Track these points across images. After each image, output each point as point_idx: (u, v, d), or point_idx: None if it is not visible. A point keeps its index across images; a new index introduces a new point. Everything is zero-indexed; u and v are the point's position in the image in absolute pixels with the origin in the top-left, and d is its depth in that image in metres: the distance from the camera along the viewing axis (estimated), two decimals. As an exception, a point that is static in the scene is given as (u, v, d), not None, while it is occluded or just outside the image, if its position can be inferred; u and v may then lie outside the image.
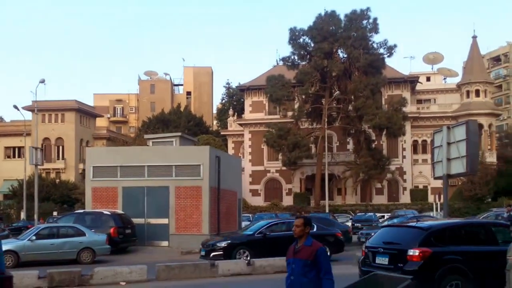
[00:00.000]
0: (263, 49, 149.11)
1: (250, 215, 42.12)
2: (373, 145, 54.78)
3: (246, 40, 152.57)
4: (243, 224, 31.54)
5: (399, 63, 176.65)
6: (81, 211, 26.54)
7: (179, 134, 30.55)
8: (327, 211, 42.66)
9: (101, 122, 78.45)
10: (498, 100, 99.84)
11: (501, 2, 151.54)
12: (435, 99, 63.15)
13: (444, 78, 65.80)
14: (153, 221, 25.98)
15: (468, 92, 58.23)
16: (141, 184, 25.91)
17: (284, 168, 55.31)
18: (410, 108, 58.15)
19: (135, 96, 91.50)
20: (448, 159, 35.31)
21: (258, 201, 57.58)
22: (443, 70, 63.31)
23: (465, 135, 34.19)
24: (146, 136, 34.29)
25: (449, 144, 35.12)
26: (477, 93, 57.96)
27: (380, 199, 56.33)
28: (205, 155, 26.02)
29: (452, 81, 64.59)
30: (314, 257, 5.74)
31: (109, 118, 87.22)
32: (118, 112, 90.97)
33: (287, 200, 56.54)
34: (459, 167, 35.40)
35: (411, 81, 58.69)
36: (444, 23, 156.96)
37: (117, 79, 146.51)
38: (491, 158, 58.02)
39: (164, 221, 25.88)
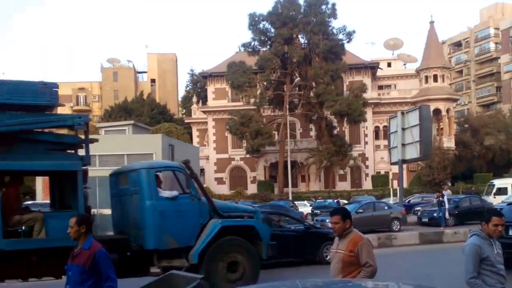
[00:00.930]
0: (227, 35, 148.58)
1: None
2: (335, 132, 55.23)
3: (211, 26, 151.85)
4: None
5: (360, 49, 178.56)
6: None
7: (132, 122, 30.27)
8: (290, 198, 42.85)
9: (63, 111, 76.95)
10: (459, 86, 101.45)
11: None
12: (395, 85, 63.83)
13: (404, 64, 66.57)
14: (105, 211, 25.54)
15: (426, 78, 59.01)
16: (92, 174, 25.27)
17: (248, 156, 55.33)
18: (371, 94, 58.68)
19: (98, 84, 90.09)
20: (403, 145, 35.52)
21: (223, 189, 57.40)
22: (403, 56, 64.06)
23: (418, 121, 34.41)
24: (98, 125, 33.86)
25: (403, 129, 35.31)
26: (435, 78, 58.77)
27: (343, 186, 56.82)
28: (158, 144, 25.77)
29: (412, 67, 65.38)
30: (91, 262, 4.85)
31: (72, 107, 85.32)
32: (81, 100, 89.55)
33: (252, 188, 56.50)
34: (413, 152, 35.78)
35: (371, 67, 59.15)
36: (404, 9, 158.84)
37: (79, 67, 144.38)
38: (449, 143, 59.02)
39: (117, 211, 25.54)
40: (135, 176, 10.80)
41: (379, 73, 62.99)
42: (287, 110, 47.90)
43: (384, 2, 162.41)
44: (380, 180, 55.40)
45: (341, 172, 56.52)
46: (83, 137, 10.48)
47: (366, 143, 59.71)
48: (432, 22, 60.24)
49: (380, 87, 63.68)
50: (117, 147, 25.56)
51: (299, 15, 46.02)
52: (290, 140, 55.84)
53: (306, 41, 47.15)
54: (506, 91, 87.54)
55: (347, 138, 56.61)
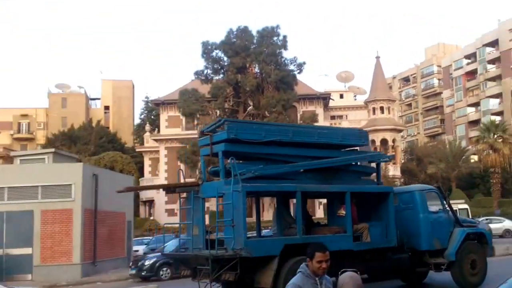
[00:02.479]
0: (186, 63, 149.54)
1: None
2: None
3: (170, 53, 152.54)
4: (139, 247, 30.32)
5: (315, 81, 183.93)
6: None
7: (53, 150, 27.56)
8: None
9: (1, 139, 74.32)
10: (408, 118, 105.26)
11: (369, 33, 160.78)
12: (346, 115, 65.80)
13: (355, 96, 68.79)
14: (14, 251, 23.06)
15: (374, 109, 61.20)
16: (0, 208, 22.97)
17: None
18: (323, 124, 60.19)
19: (44, 111, 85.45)
20: None
21: (175, 221, 56.10)
22: (353, 88, 66.31)
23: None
24: (12, 153, 30.89)
25: None
26: (382, 110, 61.01)
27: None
28: (78, 174, 23.67)
29: (362, 98, 67.67)
30: None
31: (12, 134, 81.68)
32: (24, 128, 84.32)
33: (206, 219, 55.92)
34: None
35: (323, 97, 60.78)
36: (357, 44, 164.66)
37: (25, 93, 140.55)
38: (395, 171, 60.97)
39: (27, 250, 23.00)
40: (408, 196, 14.44)
41: (331, 104, 64.78)
42: (240, 139, 48.35)
43: (339, 37, 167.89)
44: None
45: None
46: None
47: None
48: (378, 57, 62.92)
49: (333, 117, 65.48)
50: (32, 178, 23.47)
51: (252, 45, 46.93)
52: (243, 168, 56.49)
53: (258, 71, 48.06)
54: (448, 123, 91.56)
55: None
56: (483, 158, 58.43)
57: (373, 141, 61.04)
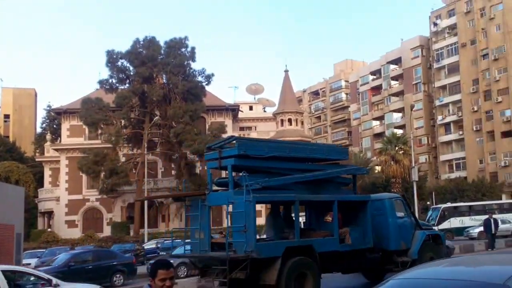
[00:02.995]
0: (90, 72, 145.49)
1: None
2: (198, 171, 55.72)
3: (74, 62, 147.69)
4: (31, 260, 29.26)
5: (225, 92, 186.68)
6: None
7: None
8: (145, 239, 42.00)
9: None
10: (318, 130, 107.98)
11: (310, 47, 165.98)
12: (256, 127, 66.25)
13: (264, 108, 69.51)
14: None
15: (282, 121, 62.16)
16: None
17: (105, 196, 53.41)
18: (231, 134, 60.35)
19: None
20: None
21: (76, 233, 53.87)
22: (263, 100, 67.04)
23: None
24: None
25: None
26: (290, 121, 62.09)
27: (204, 224, 56.99)
28: None
29: (271, 110, 68.50)
30: None
31: None
32: None
33: (109, 230, 54.23)
34: None
35: (232, 109, 60.97)
36: (268, 58, 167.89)
37: None
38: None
39: None
40: (380, 203, 16.44)
41: (241, 115, 65.09)
42: (146, 149, 47.43)
43: (250, 50, 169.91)
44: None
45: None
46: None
47: (228, 182, 60.80)
48: (286, 71, 64.25)
49: (242, 129, 65.66)
50: None
51: (159, 56, 46.41)
52: (150, 179, 55.11)
53: (166, 81, 47.47)
54: (355, 135, 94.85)
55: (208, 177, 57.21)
56: (385, 168, 60.82)
57: (281, 153, 61.96)
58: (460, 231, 40.21)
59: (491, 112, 70.12)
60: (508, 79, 67.33)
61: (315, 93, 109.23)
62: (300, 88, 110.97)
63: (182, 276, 22.93)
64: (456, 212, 42.63)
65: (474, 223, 39.40)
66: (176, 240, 24.32)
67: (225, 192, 14.17)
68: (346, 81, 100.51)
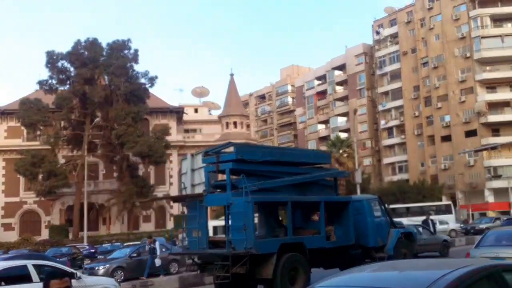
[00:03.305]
0: (30, 72, 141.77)
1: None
2: (141, 173, 55.11)
3: (13, 62, 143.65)
4: None
5: (170, 95, 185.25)
6: None
7: None
8: (85, 242, 41.15)
9: None
10: (264, 132, 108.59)
11: (258, 48, 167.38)
12: (201, 129, 66.08)
13: (209, 110, 69.42)
14: None
15: (227, 124, 62.25)
16: None
17: (43, 199, 52.02)
18: (176, 137, 60.03)
19: None
20: (193, 185, 36.66)
21: (12, 236, 52.28)
22: (208, 103, 66.99)
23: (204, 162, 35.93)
24: None
25: (193, 170, 36.56)
26: (235, 124, 62.27)
27: (148, 227, 56.31)
28: None
29: (217, 113, 68.50)
30: None
31: None
32: None
33: (47, 234, 52.71)
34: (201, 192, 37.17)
35: (177, 111, 60.60)
36: (215, 61, 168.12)
37: None
38: (248, 185, 62.28)
39: None
40: (359, 204, 17.53)
41: (186, 117, 64.74)
42: (86, 151, 46.48)
43: (197, 54, 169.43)
44: (181, 220, 55.70)
45: (146, 213, 56.01)
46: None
47: (171, 184, 60.36)
48: (232, 75, 64.78)
49: (187, 131, 65.35)
50: None
51: (101, 57, 45.63)
52: (91, 181, 54.11)
53: (107, 83, 46.66)
54: (301, 138, 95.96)
55: (152, 179, 56.74)
56: (329, 171, 61.69)
57: (226, 156, 61.93)
58: None
59: (431, 117, 72.35)
60: (447, 86, 69.63)
61: (262, 97, 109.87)
62: (247, 91, 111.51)
63: (119, 280, 22.17)
64: (394, 213, 43.52)
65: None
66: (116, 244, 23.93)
67: (224, 194, 14.88)
68: (292, 85, 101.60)
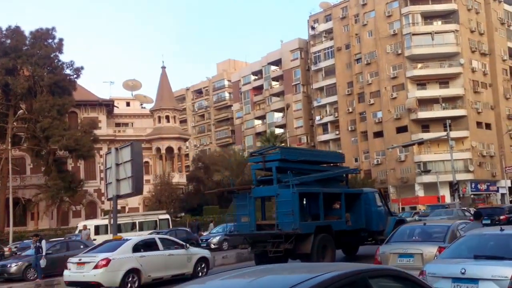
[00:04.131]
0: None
1: None
2: (69, 167, 53.33)
3: None
4: None
5: (100, 88, 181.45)
6: None
7: None
8: (10, 238, 39.49)
9: None
10: (201, 128, 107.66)
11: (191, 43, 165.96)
12: (132, 123, 64.51)
13: (141, 104, 67.83)
14: None
15: (159, 118, 61.04)
16: None
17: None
18: (107, 131, 58.35)
19: None
20: (118, 180, 35.27)
21: None
22: (140, 96, 65.38)
23: (130, 156, 34.69)
24: None
25: (118, 165, 35.17)
26: (168, 118, 61.12)
27: (78, 221, 54.54)
28: None
29: (149, 107, 67.07)
30: None
31: None
32: None
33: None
34: (126, 187, 35.75)
35: (106, 104, 58.85)
36: (148, 54, 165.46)
37: None
38: (181, 179, 61.45)
39: None
40: (365, 196, 21.19)
41: (117, 111, 63.02)
42: (10, 144, 44.35)
43: (129, 46, 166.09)
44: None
45: (77, 208, 54.39)
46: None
47: (101, 178, 58.49)
48: (164, 67, 63.10)
49: (118, 125, 63.62)
50: None
51: (24, 46, 43.50)
52: (17, 176, 51.96)
53: (31, 73, 44.52)
54: (238, 134, 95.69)
55: (82, 174, 55.15)
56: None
57: (159, 149, 60.66)
58: None
59: (364, 113, 73.58)
60: (380, 83, 70.97)
61: (199, 92, 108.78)
62: (183, 86, 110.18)
63: (32, 278, 21.05)
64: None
65: None
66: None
67: (271, 186, 18.42)
68: (229, 80, 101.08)
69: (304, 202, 19.78)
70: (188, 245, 18.43)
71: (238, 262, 23.60)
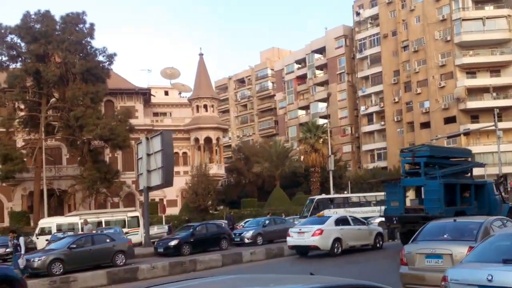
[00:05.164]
0: None
1: None
2: (106, 158, 52.86)
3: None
4: None
5: (138, 76, 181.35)
6: None
7: None
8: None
9: None
10: (244, 118, 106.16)
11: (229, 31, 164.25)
12: (171, 113, 63.62)
13: (180, 93, 66.88)
14: None
15: (197, 107, 59.79)
16: None
17: (4, 184, 49.57)
18: (144, 121, 57.59)
19: None
20: (148, 171, 33.66)
21: None
22: (178, 85, 64.26)
23: (160, 146, 32.92)
24: None
25: (148, 155, 33.59)
26: (206, 107, 59.83)
27: (117, 214, 54.20)
28: None
29: (188, 96, 66.00)
30: None
31: None
32: None
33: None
34: (156, 179, 34.12)
35: (143, 93, 58.05)
36: (185, 42, 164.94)
37: None
38: (220, 170, 60.16)
39: None
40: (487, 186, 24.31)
41: (155, 100, 62.19)
42: (43, 134, 44.00)
43: (170, 34, 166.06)
44: (149, 208, 53.89)
45: (115, 199, 53.82)
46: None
47: (139, 169, 58.10)
48: (201, 55, 61.61)
49: (156, 114, 62.86)
50: None
51: (54, 32, 42.71)
52: (52, 166, 51.74)
53: (62, 60, 43.81)
54: (281, 124, 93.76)
55: (119, 164, 54.55)
56: (304, 157, 59.81)
57: (197, 140, 59.56)
58: None
59: (411, 103, 70.61)
60: (427, 71, 67.74)
61: (241, 81, 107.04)
62: (226, 75, 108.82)
63: (57, 273, 20.00)
64: (331, 203, 41.62)
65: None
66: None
67: (419, 178, 22.02)
68: (272, 69, 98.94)
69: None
70: (368, 222, 24.74)
71: (267, 258, 22.51)
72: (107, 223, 35.18)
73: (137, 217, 36.40)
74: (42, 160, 43.86)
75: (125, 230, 33.83)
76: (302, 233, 21.37)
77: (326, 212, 39.75)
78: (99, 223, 34.79)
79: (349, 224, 22.13)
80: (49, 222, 35.81)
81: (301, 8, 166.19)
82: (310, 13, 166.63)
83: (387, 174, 61.54)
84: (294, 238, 21.70)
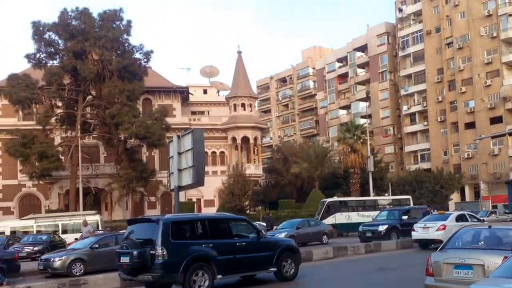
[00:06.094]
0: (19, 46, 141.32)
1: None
2: (143, 157, 52.79)
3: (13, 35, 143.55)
4: None
5: (178, 74, 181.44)
6: None
7: None
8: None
9: None
10: (285, 118, 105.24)
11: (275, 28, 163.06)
12: (209, 111, 63.30)
13: (218, 91, 66.49)
14: None
15: (235, 106, 59.17)
16: None
17: (41, 182, 50.06)
18: (181, 119, 57.36)
19: None
20: (179, 170, 33.14)
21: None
22: (216, 84, 63.92)
23: (191, 145, 32.39)
24: None
25: (179, 154, 33.06)
26: (243, 106, 59.10)
27: (153, 213, 53.98)
28: None
29: (226, 95, 65.58)
30: None
31: None
32: None
33: (46, 219, 51.10)
34: (188, 178, 33.58)
35: (181, 91, 57.85)
36: (225, 40, 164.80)
37: None
38: (257, 170, 59.41)
39: None
40: None
41: (193, 99, 61.96)
42: (79, 131, 44.12)
43: (210, 31, 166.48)
44: (185, 207, 53.72)
45: (151, 199, 53.71)
46: None
47: (178, 169, 57.96)
48: (239, 52, 60.70)
49: (194, 113, 62.63)
50: None
51: (92, 29, 42.85)
52: (89, 164, 52.01)
53: (99, 57, 43.88)
54: (322, 124, 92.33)
55: (156, 163, 54.40)
56: (343, 158, 58.45)
57: (234, 139, 59.00)
58: (348, 226, 37.93)
59: (455, 102, 68.37)
60: (472, 69, 65.35)
61: (283, 80, 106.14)
62: (268, 74, 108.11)
63: (78, 274, 19.48)
64: (343, 206, 40.28)
65: (362, 219, 35.92)
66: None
67: None
68: (313, 68, 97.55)
69: None
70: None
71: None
72: (64, 226, 34.10)
73: (97, 221, 34.80)
74: (78, 158, 44.00)
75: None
76: (427, 228, 23.01)
77: (337, 216, 38.81)
78: (56, 227, 33.78)
79: (467, 220, 23.22)
80: (3, 225, 34.69)
81: (342, 5, 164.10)
82: (352, 11, 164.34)
83: (430, 176, 59.72)
84: (419, 233, 23.38)
